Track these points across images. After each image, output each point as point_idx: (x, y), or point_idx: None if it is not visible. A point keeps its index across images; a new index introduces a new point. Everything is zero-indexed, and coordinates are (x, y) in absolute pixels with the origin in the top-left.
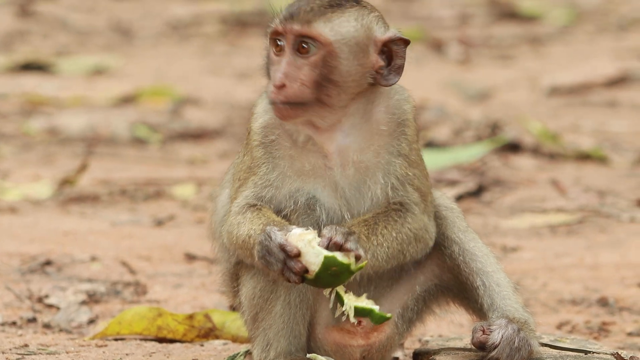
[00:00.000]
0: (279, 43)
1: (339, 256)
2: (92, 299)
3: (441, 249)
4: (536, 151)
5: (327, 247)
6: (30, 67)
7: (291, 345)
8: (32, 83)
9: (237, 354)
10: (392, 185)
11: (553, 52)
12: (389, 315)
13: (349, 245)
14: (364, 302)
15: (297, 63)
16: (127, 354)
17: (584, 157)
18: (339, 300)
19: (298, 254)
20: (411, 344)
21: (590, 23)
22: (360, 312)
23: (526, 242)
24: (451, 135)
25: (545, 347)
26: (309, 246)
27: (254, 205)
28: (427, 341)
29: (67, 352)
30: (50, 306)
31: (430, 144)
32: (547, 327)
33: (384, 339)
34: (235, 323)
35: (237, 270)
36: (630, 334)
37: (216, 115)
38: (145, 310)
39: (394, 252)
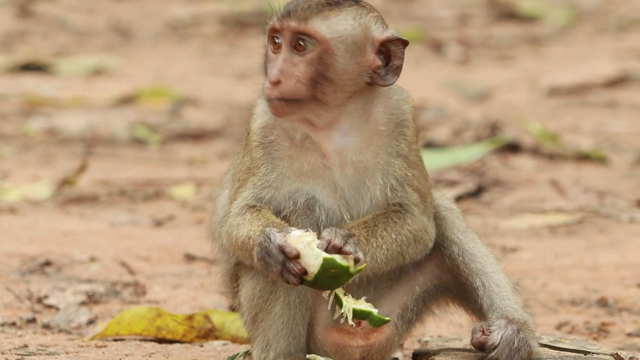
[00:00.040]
0: (276, 40)
1: (338, 258)
2: (92, 299)
3: (441, 250)
4: (536, 152)
5: (326, 250)
6: (30, 67)
7: (291, 346)
8: (31, 83)
9: (237, 354)
10: (391, 186)
11: (552, 52)
12: (387, 318)
13: (348, 248)
14: (363, 305)
15: (294, 60)
16: (126, 355)
17: (584, 157)
18: (338, 302)
19: (297, 256)
20: (411, 345)
21: (589, 23)
22: (359, 315)
23: (526, 242)
24: (451, 136)
25: (544, 348)
26: (308, 248)
27: (254, 207)
28: (426, 342)
29: (66, 353)
30: (49, 307)
31: (430, 145)
32: (547, 328)
33: (384, 339)
34: (234, 324)
35: (236, 271)
36: (629, 335)
37: (215, 115)
38: (145, 310)
39: (394, 253)
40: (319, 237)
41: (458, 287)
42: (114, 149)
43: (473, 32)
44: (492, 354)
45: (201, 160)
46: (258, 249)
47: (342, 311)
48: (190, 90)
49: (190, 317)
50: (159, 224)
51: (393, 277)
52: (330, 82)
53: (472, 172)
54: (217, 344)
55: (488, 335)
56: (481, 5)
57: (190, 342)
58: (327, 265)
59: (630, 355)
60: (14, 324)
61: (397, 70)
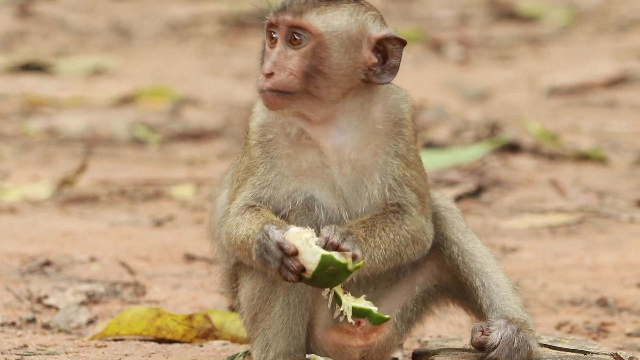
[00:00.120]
0: (273, 35)
1: (336, 255)
2: (92, 299)
3: (440, 250)
4: (535, 152)
5: (325, 247)
6: (30, 67)
7: (290, 346)
8: (31, 83)
9: (237, 354)
10: (389, 186)
11: (552, 52)
12: (387, 316)
13: (345, 245)
14: (363, 303)
15: (288, 53)
16: (126, 355)
17: (584, 157)
18: (337, 300)
19: (295, 253)
20: (410, 345)
21: (589, 23)
22: (358, 313)
23: (525, 242)
24: (450, 136)
25: (544, 348)
26: (307, 245)
27: (253, 206)
28: (426, 342)
29: (66, 353)
30: (49, 307)
31: (430, 145)
32: (547, 328)
33: (383, 339)
34: (234, 324)
35: (236, 271)
36: (629, 335)
37: (215, 115)
38: (145, 310)
39: (391, 254)
40: (317, 235)
41: (458, 287)
42: (114, 149)
43: (473, 32)
44: (492, 353)
45: (201, 160)
46: (257, 246)
47: (341, 309)
48: (190, 90)
49: (190, 317)
50: (158, 224)
51: (393, 277)
52: (323, 76)
53: (472, 172)
54: (216, 344)
55: (488, 335)
56: (481, 5)
57: (190, 342)
58: (325, 263)
59: (630, 355)
60: (13, 323)
61: (394, 69)
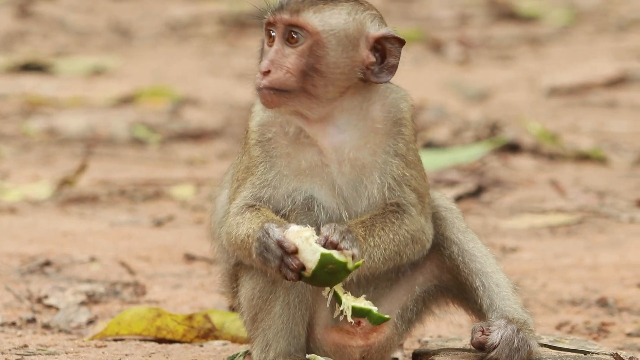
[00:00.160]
0: (272, 34)
1: (335, 254)
2: (92, 299)
3: (440, 250)
4: (535, 152)
5: (324, 245)
6: (30, 67)
7: (290, 346)
8: (31, 83)
9: (237, 354)
10: (388, 185)
11: (552, 52)
12: (387, 316)
13: (344, 244)
14: (363, 303)
15: (285, 52)
16: (126, 355)
17: (584, 157)
18: (337, 300)
19: (295, 251)
20: (410, 345)
21: (589, 23)
22: (358, 313)
23: (525, 242)
24: (450, 136)
25: (544, 348)
26: (307, 243)
27: (253, 206)
28: (426, 342)
29: (66, 353)
30: (49, 307)
31: (430, 145)
32: (547, 328)
33: (383, 339)
34: (234, 324)
35: (236, 271)
36: (629, 335)
37: (215, 115)
38: (145, 310)
39: (391, 253)
40: (317, 234)
41: (458, 287)
42: (114, 149)
43: (473, 32)
44: (492, 353)
45: (201, 160)
46: (257, 244)
47: (341, 308)
48: (190, 90)
49: (190, 317)
50: (158, 224)
51: (393, 277)
52: (320, 74)
53: (472, 172)
54: (217, 344)
55: (488, 335)
56: (481, 5)
57: (190, 342)
58: (324, 261)
59: (630, 355)
60: (13, 324)
61: (392, 69)
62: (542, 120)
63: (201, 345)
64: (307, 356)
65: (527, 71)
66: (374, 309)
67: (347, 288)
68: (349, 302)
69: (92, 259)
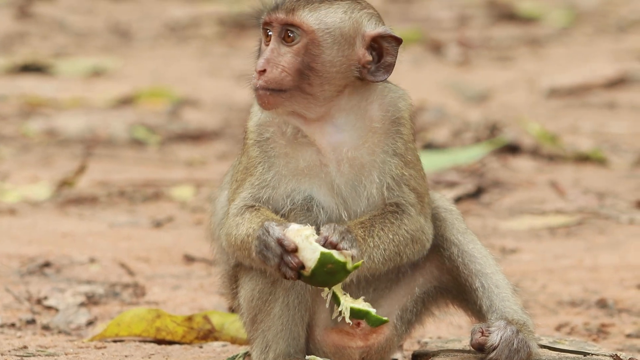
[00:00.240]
0: (268, 33)
1: (335, 254)
2: (91, 300)
3: (440, 251)
4: (535, 153)
5: (324, 245)
6: (29, 68)
7: (290, 347)
8: (30, 84)
9: (236, 355)
10: (387, 185)
11: (552, 53)
12: (385, 318)
13: (344, 244)
14: (361, 305)
15: (281, 51)
16: (126, 356)
17: (583, 158)
18: (336, 301)
19: (295, 249)
20: (410, 346)
21: (589, 24)
22: (356, 314)
23: (525, 243)
24: (450, 137)
25: (544, 349)
26: (307, 242)
27: (252, 206)
28: (426, 343)
29: (66, 354)
30: (49, 308)
31: (429, 146)
32: (546, 329)
33: (383, 340)
34: (234, 325)
35: (235, 272)
36: (629, 336)
37: (214, 116)
38: (144, 311)
39: (391, 254)
40: (317, 234)
41: (457, 288)
42: (113, 150)
43: (472, 33)
44: (492, 354)
45: (200, 161)
46: (256, 242)
47: (339, 309)
48: (189, 91)
49: (189, 318)
50: (158, 225)
51: (392, 278)
52: (316, 73)
53: (471, 173)
54: (216, 345)
55: (487, 336)
56: (481, 6)
57: (190, 343)
58: (324, 260)
59: (630, 357)
60: (13, 325)
61: (389, 68)
62: (541, 121)
63: (201, 347)
64: (307, 357)
65: (526, 72)
66: (373, 310)
67: (346, 289)
68: (347, 303)
69: (92, 260)
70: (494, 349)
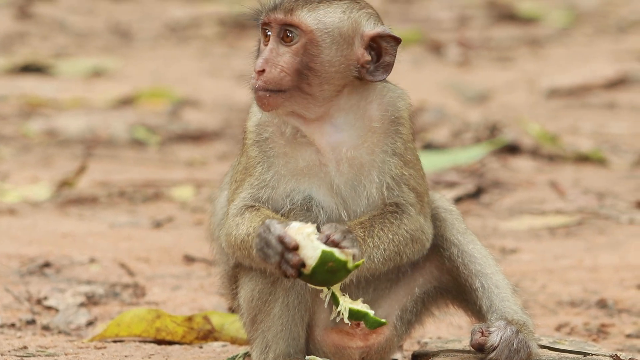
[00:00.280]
0: (267, 33)
1: (336, 252)
2: (91, 300)
3: (440, 251)
4: (535, 153)
5: (325, 243)
6: (29, 68)
7: (290, 347)
8: (31, 85)
9: (236, 355)
10: (387, 185)
11: (552, 54)
12: (383, 320)
13: (345, 243)
14: (360, 306)
15: (280, 50)
16: (126, 356)
17: (583, 158)
18: (335, 301)
19: (296, 247)
20: (410, 346)
21: (589, 25)
22: (355, 315)
23: (525, 243)
24: (450, 137)
25: (544, 349)
26: (308, 240)
27: (252, 207)
28: (426, 343)
29: (65, 354)
30: (49, 308)
31: (429, 146)
32: (546, 329)
33: (383, 340)
34: (234, 325)
35: (235, 273)
36: (629, 336)
37: (215, 117)
38: (144, 312)
39: (391, 253)
40: (319, 232)
41: (457, 289)
42: (114, 150)
43: (472, 34)
44: (492, 355)
45: (201, 162)
46: (257, 240)
47: (338, 309)
48: (189, 91)
49: (189, 319)
50: (158, 225)
51: (392, 279)
52: (315, 73)
53: (471, 173)
54: (216, 345)
55: (487, 336)
56: (480, 6)
57: (190, 343)
58: (325, 258)
59: (630, 357)
60: (13, 325)
61: (388, 67)
62: (541, 122)
63: (201, 347)
64: (307, 357)
65: (526, 72)
66: (371, 312)
67: (346, 289)
68: (346, 303)
69: (92, 260)
70: (494, 349)
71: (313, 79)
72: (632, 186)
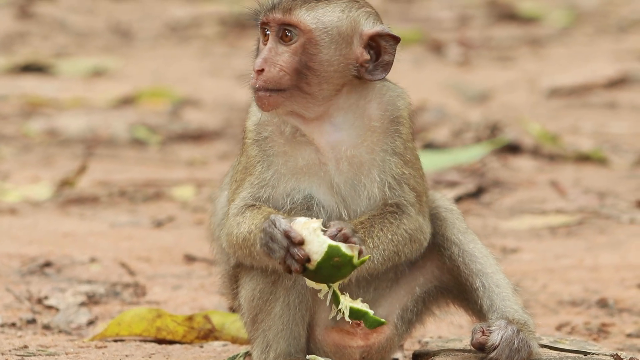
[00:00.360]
0: (266, 32)
1: (343, 247)
2: (92, 300)
3: (441, 251)
4: (536, 152)
5: (334, 237)
6: (30, 68)
7: (290, 347)
8: (31, 84)
9: (237, 355)
10: (389, 184)
11: (553, 53)
12: (383, 320)
13: (355, 239)
14: (359, 306)
15: (279, 50)
16: (126, 356)
17: (584, 158)
18: (335, 300)
19: (302, 242)
20: (411, 345)
21: (589, 24)
22: (355, 314)
23: (526, 243)
24: (451, 137)
25: (544, 349)
26: (314, 234)
27: (253, 205)
28: (426, 342)
29: (66, 354)
30: (49, 307)
31: (430, 145)
32: (547, 329)
33: (384, 340)
34: (234, 324)
35: (236, 273)
36: (629, 336)
37: (215, 116)
38: (145, 311)
39: (390, 253)
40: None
41: (458, 288)
42: (114, 150)
43: (473, 33)
44: (492, 354)
45: (201, 161)
46: (262, 235)
47: (338, 308)
48: (190, 91)
49: (190, 318)
50: (159, 224)
51: (393, 278)
52: (314, 72)
53: (472, 173)
54: (217, 344)
55: (488, 335)
56: (481, 6)
57: (190, 342)
58: (331, 253)
59: (630, 356)
60: (14, 324)
61: (387, 66)
62: (542, 121)
63: (201, 346)
64: (308, 357)
65: (527, 72)
66: (370, 312)
67: (347, 288)
68: (347, 302)
69: (93, 260)
70: (494, 349)
71: (312, 78)
72: (632, 186)
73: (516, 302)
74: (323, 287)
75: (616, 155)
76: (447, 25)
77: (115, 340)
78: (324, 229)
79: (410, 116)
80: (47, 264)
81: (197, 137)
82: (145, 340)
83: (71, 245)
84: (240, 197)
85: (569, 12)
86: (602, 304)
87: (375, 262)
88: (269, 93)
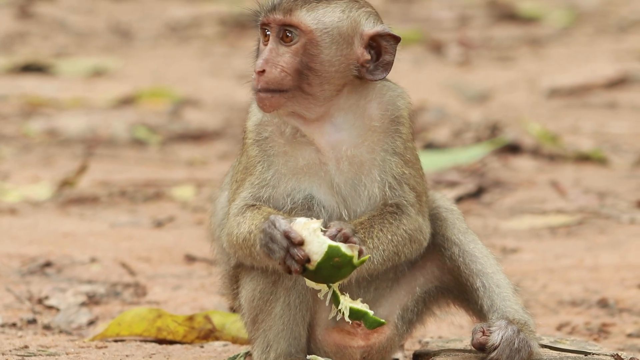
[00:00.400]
0: (267, 33)
1: (343, 247)
2: (92, 300)
3: (441, 251)
4: (536, 152)
5: (334, 237)
6: (30, 68)
7: (291, 347)
8: (31, 84)
9: (237, 355)
10: (389, 184)
11: (553, 53)
12: (382, 320)
13: (355, 239)
14: (359, 306)
15: (280, 51)
16: (127, 356)
17: (584, 158)
18: (335, 300)
19: (302, 242)
20: (411, 346)
21: (589, 25)
22: (355, 315)
23: (526, 243)
24: (451, 137)
25: (545, 349)
26: (314, 235)
27: (253, 205)
28: (427, 342)
29: (67, 354)
30: (50, 307)
31: (430, 146)
32: (547, 329)
33: (384, 340)
34: (235, 324)
35: (236, 273)
36: (630, 336)
37: (215, 116)
38: (145, 311)
39: (390, 254)
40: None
41: (458, 288)
42: (114, 150)
43: (473, 33)
44: (493, 354)
45: (201, 161)
46: (262, 235)
47: (338, 308)
48: (190, 91)
49: (190, 318)
50: (159, 224)
51: (393, 278)
52: (315, 73)
53: (472, 173)
54: (217, 344)
55: (488, 335)
56: (481, 6)
57: (191, 343)
58: (331, 253)
59: (631, 356)
60: (14, 324)
61: (388, 66)
62: (542, 121)
63: (202, 346)
64: (308, 357)
65: (527, 72)
66: (370, 312)
67: (347, 288)
68: (347, 302)
69: (93, 260)
70: (495, 349)
71: (313, 78)
72: (632, 186)
73: (516, 302)
74: (323, 287)
75: (616, 155)
76: (447, 25)
77: (116, 341)
78: (323, 229)
79: (410, 116)
80: (48, 264)
81: (197, 137)
82: (145, 341)
83: (71, 245)
84: (241, 197)
85: (569, 12)
86: (603, 304)
87: (375, 263)
88: (271, 94)
